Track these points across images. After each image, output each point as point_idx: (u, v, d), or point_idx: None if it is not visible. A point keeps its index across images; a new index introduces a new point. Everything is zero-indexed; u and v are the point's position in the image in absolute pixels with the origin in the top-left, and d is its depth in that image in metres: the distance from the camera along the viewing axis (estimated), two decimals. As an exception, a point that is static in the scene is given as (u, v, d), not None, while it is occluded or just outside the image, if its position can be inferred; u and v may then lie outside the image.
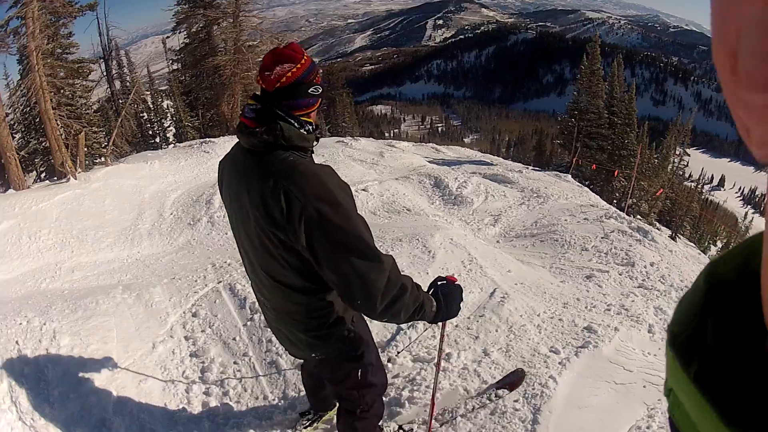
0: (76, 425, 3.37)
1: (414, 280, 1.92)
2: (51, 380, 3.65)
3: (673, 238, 7.07)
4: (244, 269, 2.34)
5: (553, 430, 2.93)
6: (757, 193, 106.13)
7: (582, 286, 5.11)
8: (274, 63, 1.76)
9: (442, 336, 2.61)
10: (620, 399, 3.18)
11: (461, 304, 2.14)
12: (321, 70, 1.92)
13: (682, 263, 5.95)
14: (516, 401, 3.13)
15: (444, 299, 2.05)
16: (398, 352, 3.78)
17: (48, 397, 3.51)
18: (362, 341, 2.22)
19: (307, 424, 3.16)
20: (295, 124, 1.82)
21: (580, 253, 6.11)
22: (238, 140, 1.96)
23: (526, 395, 3.17)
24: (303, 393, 3.43)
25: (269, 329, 3.85)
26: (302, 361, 2.93)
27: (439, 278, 2.14)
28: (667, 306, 4.62)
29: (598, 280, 5.24)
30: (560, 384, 3.24)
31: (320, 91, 1.87)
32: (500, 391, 3.26)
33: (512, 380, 3.42)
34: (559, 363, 3.45)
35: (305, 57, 1.80)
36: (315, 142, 1.93)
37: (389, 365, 3.63)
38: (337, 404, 2.75)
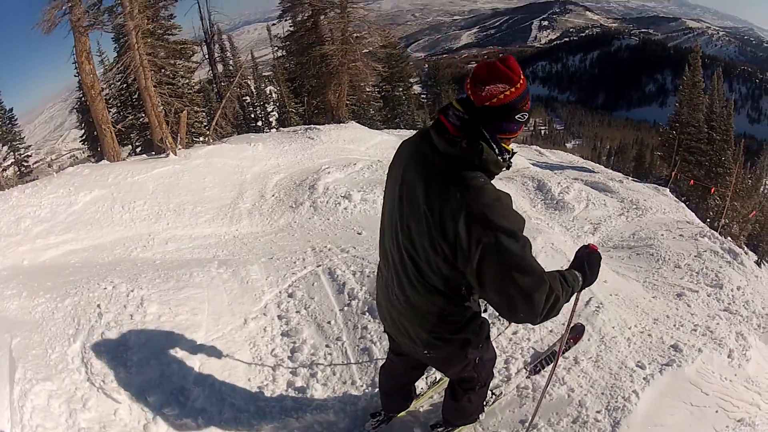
0: (153, 391, 3.48)
1: (559, 270, 2.01)
2: (132, 345, 3.79)
3: (758, 263, 6.76)
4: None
5: (629, 446, 2.89)
6: None
7: (672, 303, 5.02)
8: (489, 79, 1.74)
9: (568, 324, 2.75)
10: (693, 422, 3.14)
11: (598, 270, 2.19)
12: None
13: (766, 290, 5.74)
14: (598, 412, 3.13)
15: (589, 269, 2.14)
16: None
17: (126, 361, 3.64)
18: (484, 336, 2.34)
19: (376, 424, 3.22)
20: (496, 150, 1.82)
21: (673, 269, 5.97)
22: (424, 131, 2.00)
23: (609, 407, 3.16)
24: None
25: (377, 318, 4.02)
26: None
27: (584, 247, 2.22)
28: (748, 332, 4.45)
29: (688, 299, 5.14)
30: (642, 400, 3.21)
31: (526, 118, 1.85)
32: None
33: (574, 335, 3.76)
34: (644, 378, 3.41)
35: (521, 80, 1.76)
36: (505, 170, 1.92)
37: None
38: (448, 382, 2.87)
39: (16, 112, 16.43)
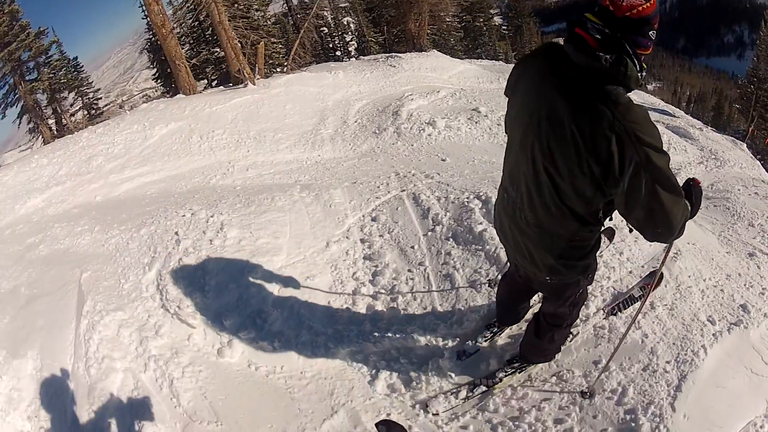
0: (229, 314, 3.59)
1: None
2: (210, 270, 3.89)
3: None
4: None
5: (692, 403, 2.92)
6: None
7: (744, 262, 4.81)
8: None
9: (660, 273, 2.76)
10: (751, 389, 3.09)
11: (700, 205, 2.23)
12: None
13: None
14: (668, 363, 3.13)
15: (695, 201, 2.17)
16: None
17: (203, 286, 3.74)
18: (596, 265, 2.39)
19: (490, 336, 3.34)
20: (637, 66, 1.81)
21: (747, 227, 5.73)
22: (550, 46, 1.99)
23: (678, 359, 3.15)
24: (472, 311, 3.55)
25: (461, 244, 4.11)
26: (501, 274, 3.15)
27: (689, 179, 2.22)
28: None
29: (759, 260, 4.90)
30: (709, 356, 3.19)
31: (655, 37, 1.84)
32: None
33: (649, 281, 3.72)
34: (713, 335, 3.36)
35: None
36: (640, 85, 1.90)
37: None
38: (533, 315, 2.93)
39: (82, 60, 16.12)
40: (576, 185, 1.94)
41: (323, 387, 3.26)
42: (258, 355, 3.45)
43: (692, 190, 2.17)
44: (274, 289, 3.83)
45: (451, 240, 4.25)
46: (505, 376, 3.14)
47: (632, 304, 3.64)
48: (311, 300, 3.83)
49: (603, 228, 2.27)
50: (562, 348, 3.20)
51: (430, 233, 4.41)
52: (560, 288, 2.45)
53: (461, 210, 4.49)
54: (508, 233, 2.39)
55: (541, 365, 3.18)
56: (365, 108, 9.09)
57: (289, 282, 3.92)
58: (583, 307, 3.55)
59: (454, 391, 3.17)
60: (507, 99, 2.28)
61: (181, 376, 3.20)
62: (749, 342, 3.44)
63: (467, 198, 4.61)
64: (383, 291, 3.91)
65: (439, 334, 3.48)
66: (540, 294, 3.13)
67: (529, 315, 3.41)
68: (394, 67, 11.90)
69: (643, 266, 3.92)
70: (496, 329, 3.36)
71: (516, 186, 2.20)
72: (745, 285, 4.26)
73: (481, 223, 4.23)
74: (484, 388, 3.12)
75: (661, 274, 3.87)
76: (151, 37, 16.13)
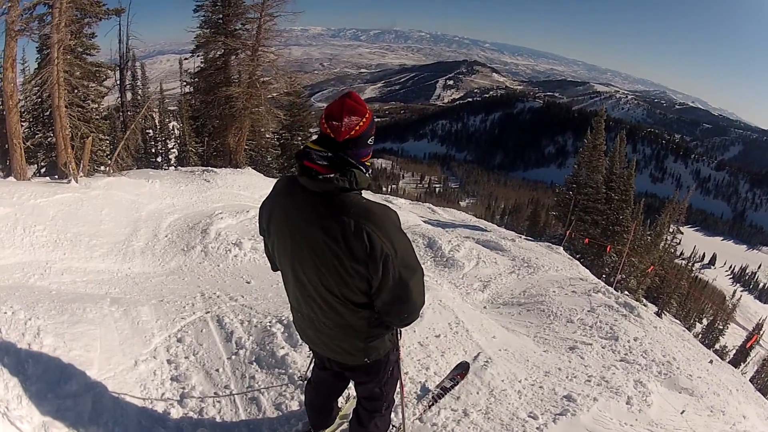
0: (52, 425, 3.28)
1: None
2: (30, 375, 3.58)
3: (659, 314, 7.13)
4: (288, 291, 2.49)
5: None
6: (747, 271, 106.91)
7: (564, 356, 5.19)
8: (342, 114, 1.99)
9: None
10: None
11: None
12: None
13: (666, 339, 6.07)
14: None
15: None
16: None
17: (26, 390, 3.43)
18: (398, 341, 2.62)
19: None
20: (363, 170, 2.09)
21: (565, 324, 6.22)
22: (287, 180, 2.25)
23: None
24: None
25: (264, 368, 4.08)
26: (304, 382, 3.34)
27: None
28: (648, 380, 4.69)
29: (581, 351, 5.33)
30: None
31: (373, 140, 2.15)
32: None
33: (460, 371, 3.99)
34: (537, 428, 3.47)
35: (368, 111, 2.06)
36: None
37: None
38: (353, 411, 3.03)
39: None
40: (351, 287, 2.15)
41: None
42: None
43: None
44: (88, 404, 3.54)
45: (255, 364, 4.19)
46: None
47: (445, 395, 3.76)
48: (124, 418, 3.57)
49: None
50: None
51: (234, 356, 4.33)
52: (376, 366, 2.58)
53: (263, 334, 4.51)
54: (316, 341, 2.55)
55: None
56: (176, 222, 9.01)
57: (101, 398, 3.65)
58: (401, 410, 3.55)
59: None
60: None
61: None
62: (581, 426, 3.59)
63: (269, 322, 4.67)
64: (192, 413, 3.71)
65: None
66: (347, 392, 3.40)
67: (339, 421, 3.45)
68: (209, 182, 12.06)
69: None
70: None
71: (306, 305, 2.37)
72: (567, 377, 4.53)
73: (283, 347, 4.25)
74: None
75: (467, 364, 4.11)
76: (-5, 104, 14.95)
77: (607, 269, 21.97)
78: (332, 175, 1.99)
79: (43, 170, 14.23)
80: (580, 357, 5.19)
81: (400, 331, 2.62)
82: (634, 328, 6.09)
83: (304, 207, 2.11)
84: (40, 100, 14.27)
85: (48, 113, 13.98)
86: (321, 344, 2.54)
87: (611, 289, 7.70)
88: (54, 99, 11.44)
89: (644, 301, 21.21)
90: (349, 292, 2.17)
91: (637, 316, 6.51)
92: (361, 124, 2.02)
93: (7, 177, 10.95)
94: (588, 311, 6.52)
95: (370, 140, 2.11)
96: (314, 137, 2.13)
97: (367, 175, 2.11)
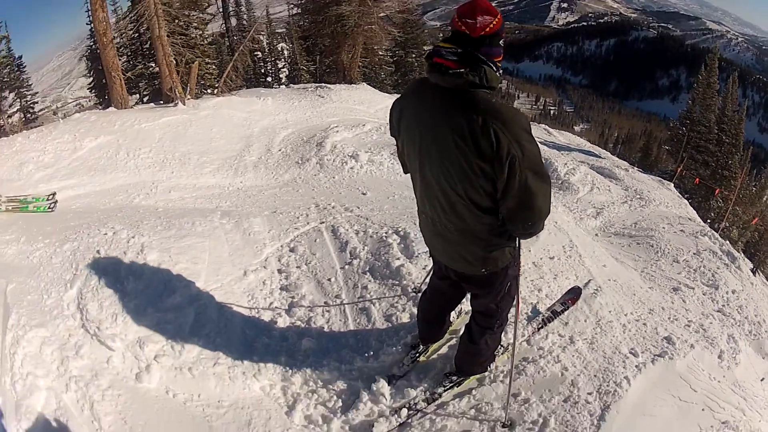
0: (148, 339, 3.47)
1: None
2: (129, 292, 3.77)
3: (753, 272, 6.78)
4: (416, 195, 2.57)
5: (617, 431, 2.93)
6: None
7: (668, 296, 5.06)
8: (475, 12, 2.00)
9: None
10: (680, 416, 3.15)
11: None
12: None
13: (760, 298, 5.83)
14: (590, 394, 3.13)
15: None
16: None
17: (123, 308, 3.62)
18: (519, 257, 2.61)
19: (415, 357, 3.37)
20: (494, 68, 2.07)
21: (671, 263, 6.04)
22: (418, 81, 2.31)
23: (600, 390, 3.16)
24: (389, 345, 3.52)
25: (377, 279, 4.16)
26: (417, 294, 3.59)
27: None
28: (739, 336, 4.50)
29: (684, 294, 5.20)
30: (633, 387, 3.21)
31: (504, 43, 2.15)
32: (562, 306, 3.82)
33: (572, 297, 3.96)
34: (636, 366, 3.40)
35: (498, 13, 2.05)
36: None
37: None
38: (465, 326, 3.08)
39: (25, 60, 15.84)
40: (476, 186, 2.17)
41: (241, 416, 3.15)
42: (175, 382, 3.31)
43: None
44: (191, 315, 3.71)
45: (368, 274, 4.25)
46: (444, 391, 3.17)
47: (555, 319, 3.76)
48: (228, 329, 3.72)
49: None
50: (497, 359, 3.29)
51: (347, 266, 4.39)
52: (492, 279, 2.60)
53: (379, 245, 4.53)
54: (438, 247, 2.64)
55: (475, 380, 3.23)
56: (290, 137, 9.04)
57: (206, 309, 3.81)
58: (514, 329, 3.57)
59: (394, 412, 3.10)
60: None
61: (102, 399, 3.04)
62: (675, 372, 3.50)
63: (385, 233, 4.66)
64: (300, 322, 3.83)
65: (354, 366, 3.44)
66: (459, 307, 3.47)
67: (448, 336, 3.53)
68: (323, 97, 11.93)
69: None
70: (420, 349, 3.40)
71: (431, 206, 2.43)
72: (669, 318, 4.42)
73: (398, 258, 4.27)
74: (424, 405, 3.12)
75: (579, 289, 4.06)
76: (92, 44, 15.72)
77: (712, 214, 20.76)
78: (463, 70, 2.01)
79: (146, 99, 14.59)
80: (682, 300, 5.06)
81: (520, 245, 2.57)
82: (733, 279, 5.87)
83: (433, 104, 2.15)
84: (137, 34, 14.60)
85: (148, 45, 14.40)
86: (441, 249, 2.62)
87: (716, 235, 7.33)
88: (153, 30, 11.65)
89: (742, 254, 20.03)
90: (473, 192, 2.20)
91: (738, 268, 6.25)
92: (495, 23, 2.02)
93: (107, 108, 11.21)
94: (694, 254, 6.29)
95: (501, 41, 2.12)
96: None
97: (498, 74, 2.10)
